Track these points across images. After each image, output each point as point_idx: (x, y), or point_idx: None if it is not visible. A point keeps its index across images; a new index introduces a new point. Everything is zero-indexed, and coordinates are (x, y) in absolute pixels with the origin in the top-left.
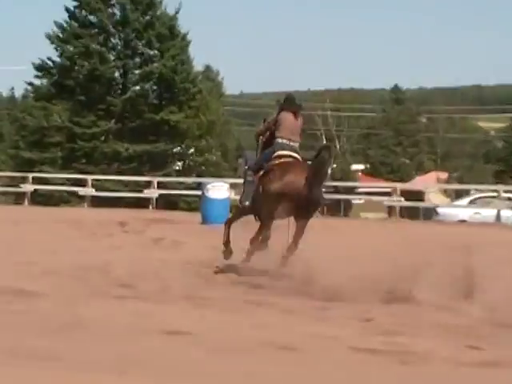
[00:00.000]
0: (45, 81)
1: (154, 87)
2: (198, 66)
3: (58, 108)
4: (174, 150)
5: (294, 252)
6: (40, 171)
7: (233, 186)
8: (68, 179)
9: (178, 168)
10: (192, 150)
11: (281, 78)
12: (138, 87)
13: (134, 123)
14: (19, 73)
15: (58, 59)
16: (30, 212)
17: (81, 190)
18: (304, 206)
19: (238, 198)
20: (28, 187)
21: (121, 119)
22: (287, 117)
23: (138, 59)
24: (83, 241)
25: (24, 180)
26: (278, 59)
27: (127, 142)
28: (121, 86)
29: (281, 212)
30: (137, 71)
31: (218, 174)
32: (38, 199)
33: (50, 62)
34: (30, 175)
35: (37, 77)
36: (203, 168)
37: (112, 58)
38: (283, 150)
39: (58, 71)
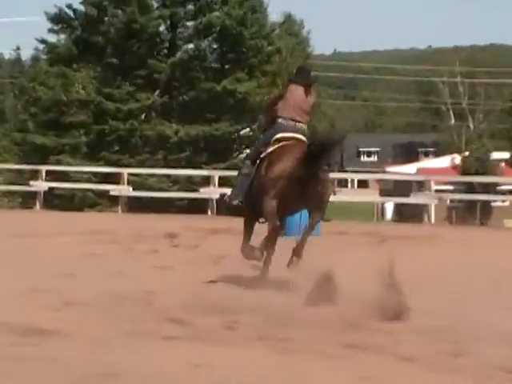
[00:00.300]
0: (63, 37)
1: (214, 45)
2: (274, 15)
3: (81, 75)
4: (242, 133)
5: (300, 256)
6: (57, 163)
7: None
8: (95, 174)
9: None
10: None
11: (389, 34)
12: (191, 45)
13: (186, 96)
14: (27, 26)
15: (81, 7)
16: (43, 219)
17: (113, 189)
18: (309, 194)
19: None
20: (41, 185)
21: (168, 90)
22: (295, 92)
23: (191, 6)
24: (117, 260)
25: (35, 175)
26: (386, 8)
27: (177, 123)
28: (168, 45)
29: (287, 206)
30: (190, 23)
31: None
32: (54, 201)
33: (70, 12)
34: (44, 168)
35: (52, 31)
36: None
37: (155, 4)
38: (285, 131)
39: (82, 24)
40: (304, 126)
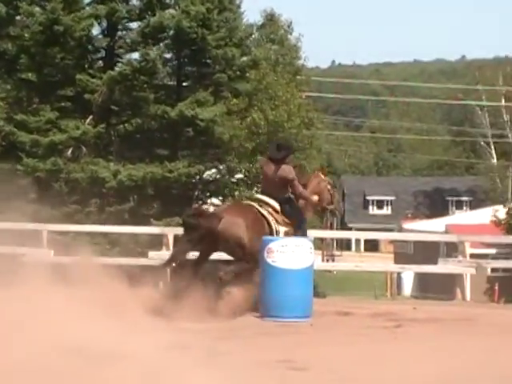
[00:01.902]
0: None
1: (167, 55)
2: (251, 14)
3: None
4: (206, 175)
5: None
6: None
7: (319, 245)
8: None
9: (212, 209)
10: (240, 176)
11: (407, 40)
12: (135, 55)
13: (128, 124)
14: None
15: None
16: None
17: (28, 254)
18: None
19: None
20: None
21: (104, 117)
22: (266, 170)
23: (135, 2)
24: None
25: None
26: (402, 7)
27: (116, 161)
28: (103, 54)
29: None
30: (134, 24)
31: None
32: None
33: None
34: None
35: None
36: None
37: None
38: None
39: None
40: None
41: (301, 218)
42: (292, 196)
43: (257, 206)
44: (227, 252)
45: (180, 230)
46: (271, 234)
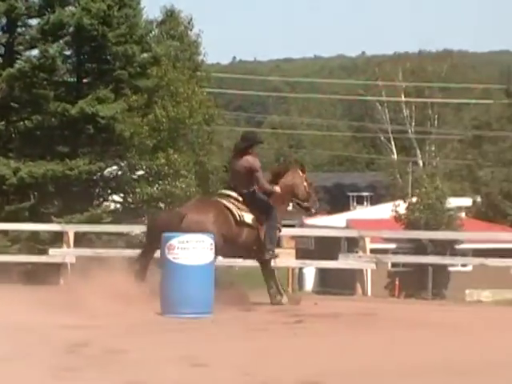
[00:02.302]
0: None
1: (67, 52)
2: (151, 10)
3: None
4: (107, 172)
5: None
6: None
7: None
8: None
9: (113, 206)
10: (141, 173)
11: (307, 36)
12: (35, 52)
13: (28, 122)
14: None
15: None
16: None
17: None
18: None
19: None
20: None
21: (4, 114)
22: (232, 164)
23: None
24: None
25: None
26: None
27: (16, 159)
28: (3, 50)
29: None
30: (33, 21)
31: None
32: None
33: None
34: None
35: None
36: (162, 206)
37: None
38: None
39: None
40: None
41: (267, 205)
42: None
43: (218, 199)
44: None
45: (81, 227)
46: (235, 222)
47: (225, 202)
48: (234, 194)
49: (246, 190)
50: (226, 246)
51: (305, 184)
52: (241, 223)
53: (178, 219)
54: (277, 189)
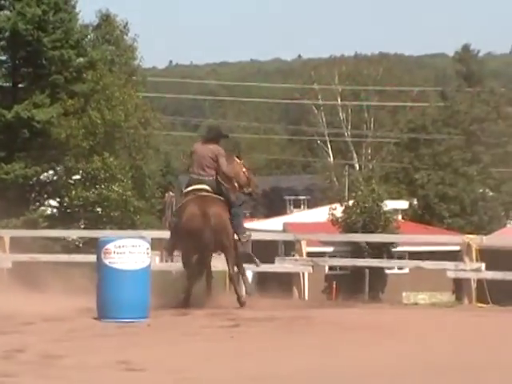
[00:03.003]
0: None
1: (3, 57)
2: (86, 14)
3: None
4: (43, 177)
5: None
6: None
7: (157, 245)
8: None
9: (49, 211)
10: (77, 177)
11: (243, 40)
12: None
13: None
14: None
15: None
16: None
17: None
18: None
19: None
20: None
21: None
22: (197, 149)
23: None
24: None
25: None
26: (237, 5)
27: None
28: None
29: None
30: None
31: (129, 223)
32: None
33: None
34: None
35: None
36: (99, 211)
37: None
38: (189, 185)
39: None
40: (208, 178)
41: (229, 193)
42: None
43: (207, 194)
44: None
45: (17, 232)
46: None
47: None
48: (206, 187)
49: (212, 178)
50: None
51: (243, 170)
52: None
53: (206, 218)
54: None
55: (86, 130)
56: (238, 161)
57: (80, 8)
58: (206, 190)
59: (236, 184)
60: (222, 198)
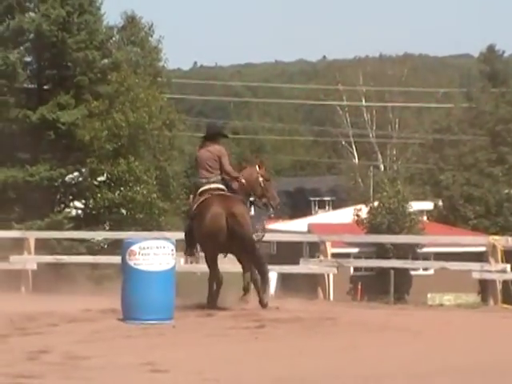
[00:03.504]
0: None
1: (28, 58)
2: (111, 16)
3: None
4: (68, 179)
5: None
6: None
7: (182, 247)
8: None
9: (74, 212)
10: (102, 179)
11: (268, 41)
12: None
13: None
14: None
15: None
16: None
17: None
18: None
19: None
20: None
21: None
22: (199, 154)
23: None
24: None
25: None
26: (262, 7)
27: None
28: None
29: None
30: None
31: (154, 224)
32: None
33: None
34: None
35: None
36: (124, 212)
37: None
38: (201, 186)
39: None
40: (216, 177)
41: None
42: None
43: (224, 193)
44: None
45: (42, 234)
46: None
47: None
48: (221, 186)
49: (220, 177)
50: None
51: (260, 179)
52: None
53: (231, 218)
54: (243, 180)
55: (109, 132)
56: (258, 169)
57: (105, 9)
58: (221, 189)
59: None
60: (239, 197)
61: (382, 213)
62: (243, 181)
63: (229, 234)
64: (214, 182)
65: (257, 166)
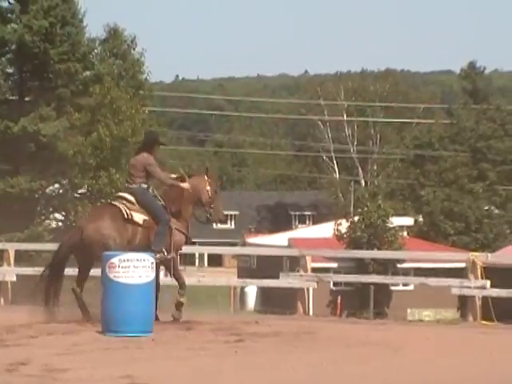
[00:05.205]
0: None
1: (9, 70)
2: (94, 28)
3: None
4: (48, 190)
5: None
6: None
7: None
8: None
9: (54, 224)
10: (83, 191)
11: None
12: None
13: None
14: None
15: None
16: None
17: None
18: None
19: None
20: None
21: None
22: (131, 161)
23: None
24: None
25: None
26: (246, 22)
27: None
28: None
29: None
30: None
31: None
32: None
33: None
34: None
35: None
36: None
37: None
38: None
39: None
40: (133, 186)
41: (155, 205)
42: (146, 186)
43: (111, 202)
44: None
45: (21, 246)
46: (126, 221)
47: (116, 203)
48: (127, 196)
49: (137, 186)
50: (126, 247)
51: (208, 188)
52: (132, 222)
53: (78, 234)
54: (186, 185)
55: (93, 146)
56: (206, 178)
57: (87, 22)
58: (126, 199)
59: (200, 199)
60: (119, 207)
61: (362, 227)
62: (186, 185)
63: (82, 247)
64: (128, 191)
65: (205, 175)
